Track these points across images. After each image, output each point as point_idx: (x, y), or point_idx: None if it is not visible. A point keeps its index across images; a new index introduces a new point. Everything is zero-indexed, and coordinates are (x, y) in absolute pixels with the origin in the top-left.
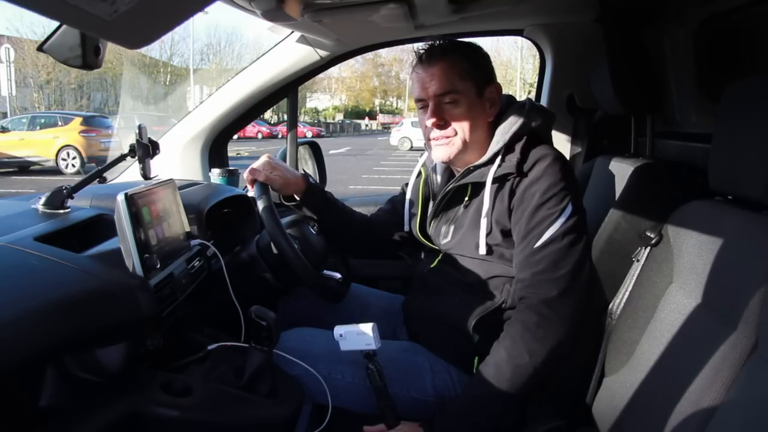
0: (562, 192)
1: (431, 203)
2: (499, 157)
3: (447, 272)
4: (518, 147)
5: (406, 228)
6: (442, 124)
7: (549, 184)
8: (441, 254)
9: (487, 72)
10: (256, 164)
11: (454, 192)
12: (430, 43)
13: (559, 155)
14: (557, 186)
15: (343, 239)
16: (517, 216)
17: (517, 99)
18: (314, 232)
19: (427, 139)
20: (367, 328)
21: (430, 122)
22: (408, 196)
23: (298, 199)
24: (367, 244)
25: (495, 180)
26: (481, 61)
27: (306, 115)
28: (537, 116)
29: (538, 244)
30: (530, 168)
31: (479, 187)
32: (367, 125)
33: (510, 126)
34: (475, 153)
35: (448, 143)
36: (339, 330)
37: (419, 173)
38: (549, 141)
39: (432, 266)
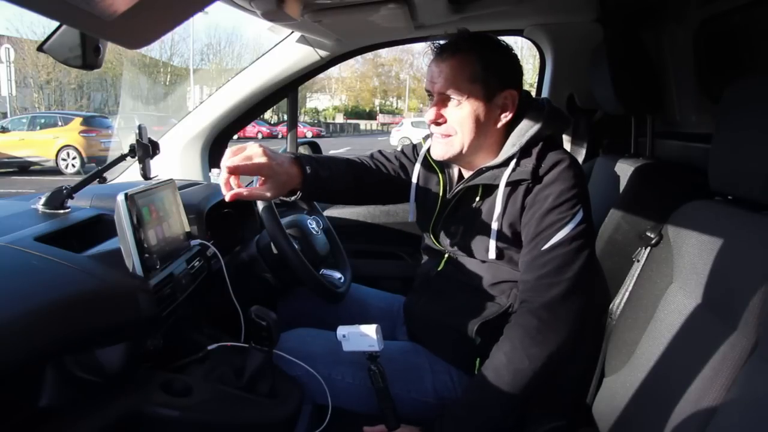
0: (575, 198)
1: (439, 201)
2: (514, 161)
3: (454, 274)
4: (535, 152)
5: (411, 218)
6: (441, 121)
7: (563, 189)
8: (447, 256)
9: (504, 76)
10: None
11: (464, 192)
12: (450, 33)
13: (574, 160)
14: (571, 191)
15: (332, 197)
16: (527, 217)
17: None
18: (314, 231)
19: (430, 131)
20: (370, 329)
21: (430, 115)
22: (412, 188)
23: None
24: (353, 196)
25: (509, 183)
26: (500, 63)
27: (306, 115)
28: (554, 121)
29: (546, 247)
30: (546, 172)
31: (491, 188)
32: (366, 127)
33: (526, 129)
34: (485, 154)
35: (446, 142)
36: (342, 330)
37: (425, 161)
38: (561, 143)
39: (439, 269)
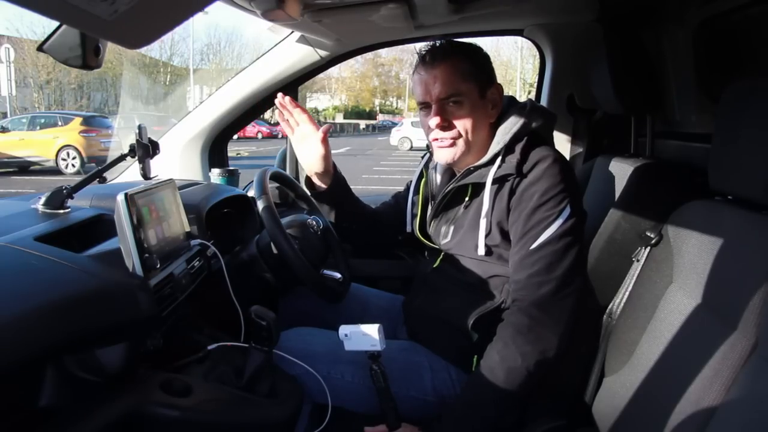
0: (561, 194)
1: (431, 203)
2: (499, 158)
3: (448, 272)
4: (518, 148)
5: (408, 228)
6: (446, 125)
7: (548, 186)
8: (442, 254)
9: (489, 73)
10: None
11: (454, 192)
12: (431, 44)
13: (559, 156)
14: (556, 188)
15: (352, 231)
16: (514, 216)
17: (518, 100)
18: (314, 231)
19: (432, 140)
20: (372, 329)
21: (434, 123)
22: (410, 196)
23: (323, 186)
24: (371, 236)
25: (495, 181)
26: (483, 62)
27: None
28: (538, 117)
29: (534, 245)
30: (530, 169)
31: (479, 187)
32: (365, 127)
33: (510, 127)
34: (476, 154)
35: (452, 145)
36: (344, 330)
37: (421, 174)
38: (550, 142)
39: (434, 266)
